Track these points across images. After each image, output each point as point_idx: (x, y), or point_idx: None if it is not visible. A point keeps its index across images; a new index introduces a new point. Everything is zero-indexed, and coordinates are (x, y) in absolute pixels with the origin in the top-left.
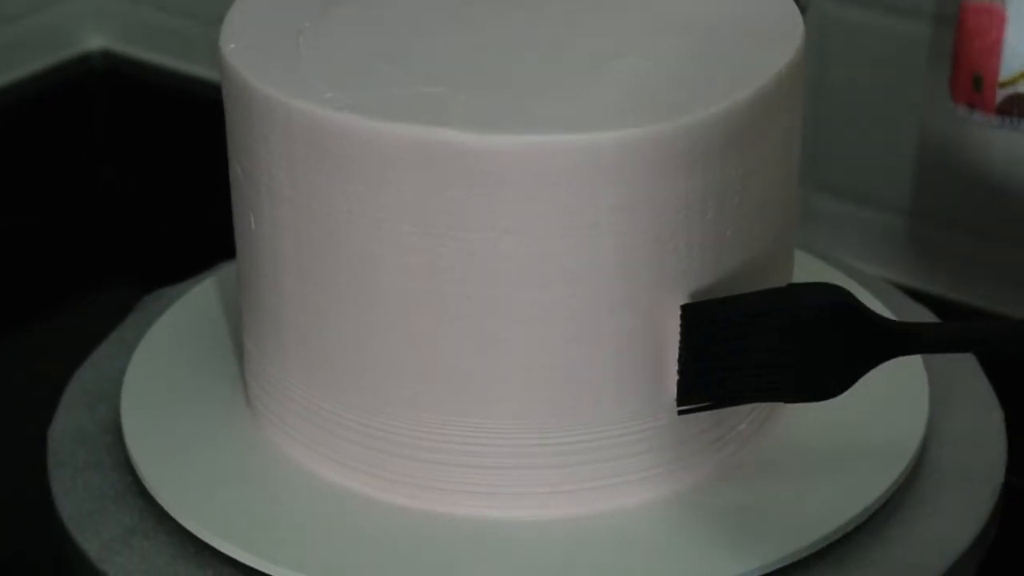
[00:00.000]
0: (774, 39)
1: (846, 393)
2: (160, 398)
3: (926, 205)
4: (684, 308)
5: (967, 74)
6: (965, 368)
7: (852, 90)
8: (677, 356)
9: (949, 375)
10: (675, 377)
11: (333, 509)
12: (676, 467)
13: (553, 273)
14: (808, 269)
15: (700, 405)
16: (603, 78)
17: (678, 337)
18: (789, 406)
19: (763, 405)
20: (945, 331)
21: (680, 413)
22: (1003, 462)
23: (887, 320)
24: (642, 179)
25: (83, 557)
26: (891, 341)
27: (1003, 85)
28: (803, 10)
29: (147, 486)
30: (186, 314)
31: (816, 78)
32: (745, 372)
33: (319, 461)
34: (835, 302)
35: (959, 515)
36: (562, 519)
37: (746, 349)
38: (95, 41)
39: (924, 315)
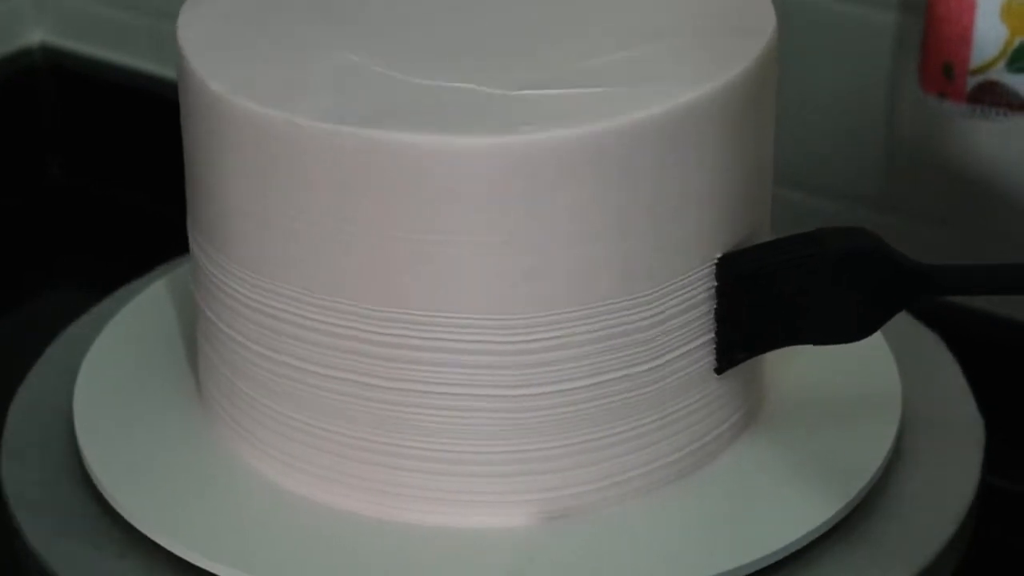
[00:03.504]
0: (746, 30)
1: (818, 395)
2: (114, 398)
3: (894, 197)
4: (720, 260)
5: (937, 62)
6: (943, 367)
7: (818, 80)
8: (714, 311)
9: (926, 372)
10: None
11: (290, 516)
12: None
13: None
14: None
15: (736, 356)
16: (573, 75)
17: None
18: (765, 422)
19: (733, 420)
20: (973, 272)
21: (719, 371)
22: (980, 459)
23: (914, 262)
24: (605, 177)
25: (31, 554)
26: (919, 283)
27: (974, 73)
28: None
29: (100, 487)
30: (142, 311)
31: (780, 67)
32: (776, 318)
33: (273, 464)
34: (864, 246)
35: (936, 514)
36: (527, 527)
37: (777, 295)
38: (35, 35)
39: None
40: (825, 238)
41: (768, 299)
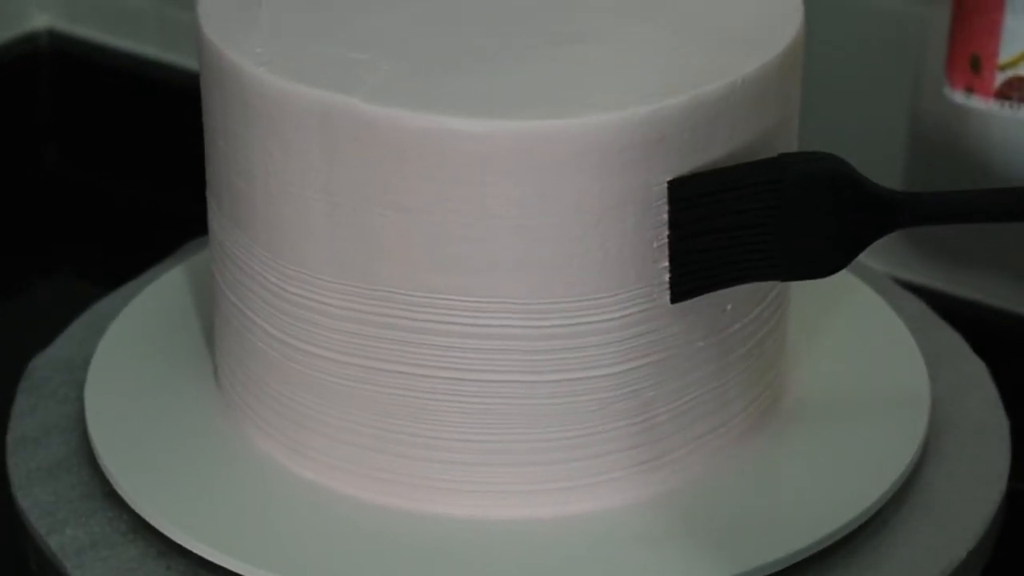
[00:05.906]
0: (773, 21)
1: (846, 390)
2: (127, 386)
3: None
4: (671, 183)
5: (965, 55)
6: (971, 371)
7: (841, 73)
8: (666, 237)
9: (954, 378)
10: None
11: (308, 507)
12: (663, 464)
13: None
14: None
15: (693, 287)
16: (548, 63)
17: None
18: (789, 405)
19: (756, 403)
20: (950, 200)
21: (673, 301)
22: (1007, 466)
23: (886, 189)
24: (544, 174)
25: (36, 545)
26: (892, 212)
27: (1003, 67)
28: None
29: (109, 476)
30: (156, 300)
31: (804, 58)
32: (736, 249)
33: (288, 455)
34: (829, 170)
35: (962, 519)
36: (548, 518)
37: (736, 224)
38: (40, 19)
39: (918, 307)
40: (787, 162)
41: (724, 230)
